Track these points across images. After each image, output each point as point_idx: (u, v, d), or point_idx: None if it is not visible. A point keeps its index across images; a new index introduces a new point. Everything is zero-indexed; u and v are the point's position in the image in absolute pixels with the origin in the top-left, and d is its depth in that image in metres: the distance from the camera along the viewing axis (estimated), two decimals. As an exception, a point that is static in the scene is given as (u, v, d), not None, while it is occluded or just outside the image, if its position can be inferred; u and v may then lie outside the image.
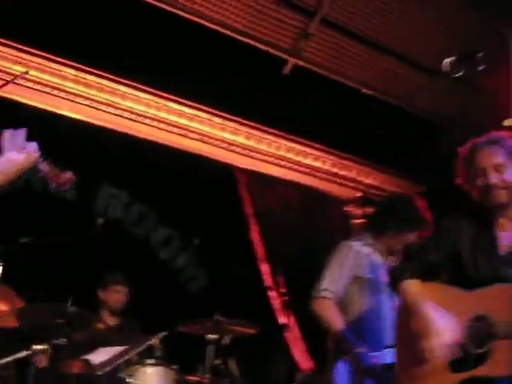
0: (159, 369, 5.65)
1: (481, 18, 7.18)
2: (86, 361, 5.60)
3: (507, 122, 3.16)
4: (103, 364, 5.48)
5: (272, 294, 8.04)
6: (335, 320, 4.78)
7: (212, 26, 7.04)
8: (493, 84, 2.93)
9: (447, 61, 2.93)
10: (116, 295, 6.74)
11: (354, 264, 4.90)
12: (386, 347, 4.50)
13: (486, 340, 3.23)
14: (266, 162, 8.12)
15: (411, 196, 5.30)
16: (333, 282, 4.88)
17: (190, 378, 5.90)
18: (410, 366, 3.52)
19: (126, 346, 5.70)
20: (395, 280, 3.63)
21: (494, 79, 3.10)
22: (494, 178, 3.39)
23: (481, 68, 2.80)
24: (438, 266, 3.56)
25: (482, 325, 3.27)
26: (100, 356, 5.62)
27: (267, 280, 8.09)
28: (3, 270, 5.27)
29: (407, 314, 3.57)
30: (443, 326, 3.31)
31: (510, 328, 3.15)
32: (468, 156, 3.51)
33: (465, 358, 3.28)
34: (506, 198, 3.40)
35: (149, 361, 5.68)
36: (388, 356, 4.39)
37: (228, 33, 7.14)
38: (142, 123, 7.37)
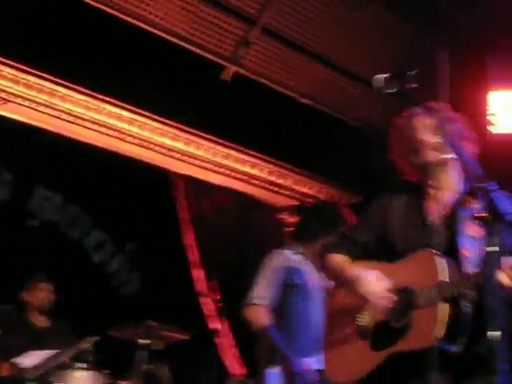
0: (90, 373, 5.64)
1: (417, 34, 7.35)
2: (16, 364, 5.56)
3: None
4: (33, 368, 5.45)
5: (206, 300, 8.05)
6: (267, 326, 4.84)
7: (153, 30, 7.03)
8: (425, 101, 2.99)
9: (379, 77, 2.97)
10: (41, 294, 6.68)
11: (285, 271, 4.97)
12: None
13: (406, 312, 3.10)
14: (204, 168, 8.14)
15: (332, 202, 5.41)
16: (264, 289, 4.95)
17: (121, 383, 5.89)
18: (335, 349, 3.39)
19: (57, 350, 5.67)
20: (323, 256, 3.57)
21: (426, 97, 3.16)
22: (426, 136, 3.24)
23: (412, 86, 2.84)
24: (368, 247, 3.46)
25: (403, 296, 3.14)
26: (30, 359, 5.58)
27: (201, 286, 8.11)
28: None
29: (333, 292, 3.53)
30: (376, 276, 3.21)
31: (429, 294, 3.00)
32: (403, 122, 3.40)
33: (386, 335, 3.16)
34: (435, 158, 3.25)
35: (80, 365, 5.65)
36: (319, 361, 4.46)
37: (169, 38, 7.14)
38: (81, 125, 7.29)
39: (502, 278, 2.75)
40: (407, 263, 3.20)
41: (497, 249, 2.43)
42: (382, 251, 3.38)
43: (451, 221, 3.22)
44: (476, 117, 7.22)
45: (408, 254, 3.21)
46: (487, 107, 7.24)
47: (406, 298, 3.12)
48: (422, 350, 2.99)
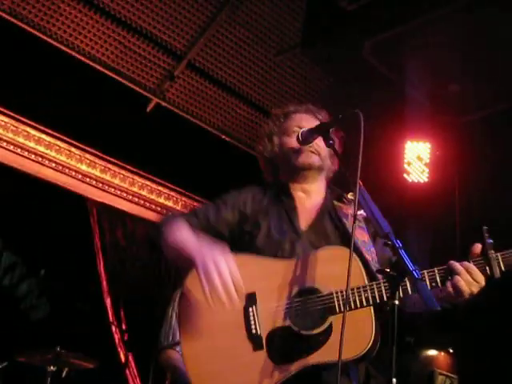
0: (-4, 398, 5.57)
1: (339, 86, 7.60)
2: None
3: (350, 195, 3.25)
4: None
5: (113, 329, 8.00)
6: (181, 370, 4.81)
7: (80, 57, 7.07)
8: (343, 156, 3.11)
9: (303, 130, 3.09)
10: None
11: None
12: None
13: (323, 317, 2.78)
14: (120, 196, 8.16)
15: None
16: (175, 330, 4.92)
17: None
18: (210, 363, 2.85)
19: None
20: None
21: (345, 151, 3.31)
22: (291, 139, 3.22)
23: (331, 142, 2.95)
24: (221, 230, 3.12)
25: (311, 299, 2.82)
26: None
27: (110, 315, 8.06)
28: None
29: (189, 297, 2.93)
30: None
31: (354, 297, 2.76)
32: (283, 115, 3.36)
33: (293, 343, 2.77)
34: (317, 162, 3.19)
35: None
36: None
37: (94, 66, 7.19)
38: (-2, 146, 7.26)
39: (459, 282, 2.72)
40: (303, 263, 2.89)
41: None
42: (234, 241, 3.08)
43: (330, 225, 3.12)
44: (393, 165, 7.51)
45: (276, 254, 2.98)
46: (404, 156, 7.52)
47: (315, 302, 2.82)
48: (344, 364, 2.62)
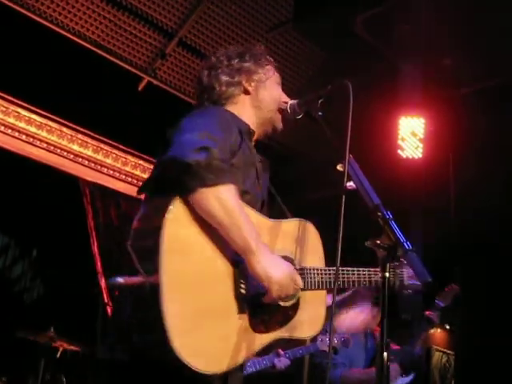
0: (-12, 380, 5.55)
1: (330, 60, 7.55)
2: None
3: (339, 167, 3.20)
4: None
5: (108, 310, 7.97)
6: None
7: (70, 36, 7.01)
8: (334, 125, 3.08)
9: (291, 103, 3.05)
10: None
11: None
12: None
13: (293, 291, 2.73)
14: (112, 176, 8.11)
15: None
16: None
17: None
18: (190, 323, 2.52)
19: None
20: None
21: (335, 122, 3.26)
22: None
23: (319, 113, 2.90)
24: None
25: None
26: None
27: (105, 296, 8.04)
28: None
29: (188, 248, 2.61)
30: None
31: (320, 275, 2.81)
32: (270, 62, 3.29)
33: (270, 312, 2.73)
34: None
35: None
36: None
37: (86, 45, 7.13)
38: (-14, 126, 7.20)
39: None
40: (287, 230, 2.88)
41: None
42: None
43: None
44: (387, 141, 7.46)
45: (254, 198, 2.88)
46: (398, 132, 7.46)
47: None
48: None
